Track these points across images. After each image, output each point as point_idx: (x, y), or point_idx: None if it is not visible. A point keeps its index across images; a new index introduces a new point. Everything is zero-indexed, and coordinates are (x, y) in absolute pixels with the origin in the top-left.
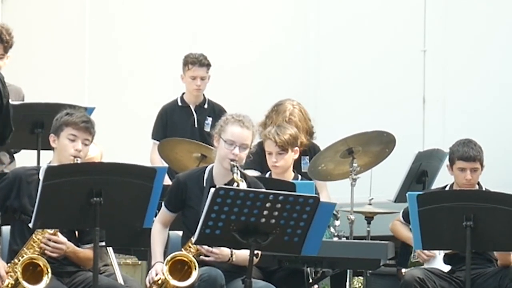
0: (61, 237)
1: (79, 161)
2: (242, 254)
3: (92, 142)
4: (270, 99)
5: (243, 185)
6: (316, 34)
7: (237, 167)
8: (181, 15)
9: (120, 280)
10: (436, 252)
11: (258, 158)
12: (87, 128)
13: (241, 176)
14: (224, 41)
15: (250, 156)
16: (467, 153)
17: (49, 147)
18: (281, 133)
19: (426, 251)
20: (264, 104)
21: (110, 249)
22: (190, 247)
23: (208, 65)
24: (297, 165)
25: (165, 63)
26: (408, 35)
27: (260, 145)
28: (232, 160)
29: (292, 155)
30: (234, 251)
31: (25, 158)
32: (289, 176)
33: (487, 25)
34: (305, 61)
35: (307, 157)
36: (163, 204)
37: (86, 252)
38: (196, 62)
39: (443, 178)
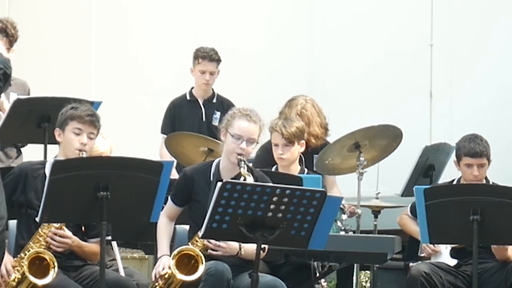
0: (67, 231)
1: (84, 155)
2: (250, 248)
3: (97, 136)
4: (275, 94)
5: (250, 179)
6: (322, 28)
7: (244, 161)
8: (186, 8)
9: (122, 274)
10: (443, 246)
11: (267, 156)
12: (92, 121)
13: (248, 170)
14: (229, 34)
15: (258, 152)
16: (473, 149)
17: (56, 141)
18: (288, 126)
19: (431, 246)
20: (269, 98)
21: (114, 243)
22: (197, 241)
23: (218, 61)
24: (309, 163)
25: (172, 57)
26: (415, 29)
27: (269, 144)
28: (239, 154)
29: (298, 148)
30: (242, 244)
31: (32, 152)
32: (295, 169)
33: (494, 19)
34: (311, 55)
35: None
36: (169, 198)
37: (92, 246)
38: (206, 56)
39: (450, 172)
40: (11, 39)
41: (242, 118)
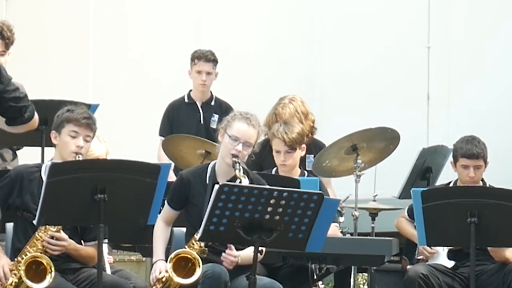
0: (63, 234)
1: (80, 158)
2: (247, 255)
3: (93, 139)
4: (273, 95)
5: (245, 181)
6: (320, 30)
7: (239, 164)
8: (185, 9)
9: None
10: (440, 248)
11: (256, 158)
12: (88, 124)
13: (243, 173)
14: (228, 36)
15: (252, 156)
16: (470, 151)
17: (53, 144)
18: (289, 132)
19: (428, 248)
20: (267, 99)
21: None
22: (193, 244)
23: (214, 61)
24: (301, 163)
25: (170, 59)
26: (413, 32)
27: (262, 145)
28: (234, 156)
29: (299, 153)
30: (239, 252)
31: (27, 155)
32: (296, 173)
33: (492, 21)
34: (309, 57)
35: (312, 155)
36: (166, 202)
37: (88, 249)
38: (202, 57)
39: (448, 175)
40: (7, 42)
41: (242, 120)
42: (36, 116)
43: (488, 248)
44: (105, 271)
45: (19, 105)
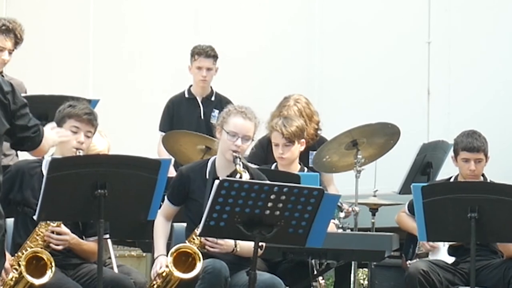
0: (64, 228)
1: (81, 153)
2: (246, 245)
3: (94, 134)
4: (273, 92)
5: (246, 176)
6: (320, 26)
7: (240, 158)
8: (185, 6)
9: (116, 271)
10: (441, 243)
11: (262, 153)
12: (90, 120)
13: (243, 167)
14: (228, 33)
15: (253, 149)
16: (471, 144)
17: None
18: (288, 125)
19: (429, 242)
20: (267, 96)
21: (109, 241)
22: (194, 239)
23: (214, 57)
24: (304, 160)
25: (170, 54)
26: (413, 27)
27: (264, 140)
28: (234, 151)
29: (298, 147)
30: (238, 241)
31: None
32: (295, 168)
33: (492, 17)
34: (309, 53)
35: (315, 152)
36: (165, 197)
37: (90, 244)
38: (202, 53)
39: (448, 170)
40: (18, 42)
41: (237, 115)
42: (42, 146)
43: (497, 243)
44: (106, 265)
45: (22, 135)
